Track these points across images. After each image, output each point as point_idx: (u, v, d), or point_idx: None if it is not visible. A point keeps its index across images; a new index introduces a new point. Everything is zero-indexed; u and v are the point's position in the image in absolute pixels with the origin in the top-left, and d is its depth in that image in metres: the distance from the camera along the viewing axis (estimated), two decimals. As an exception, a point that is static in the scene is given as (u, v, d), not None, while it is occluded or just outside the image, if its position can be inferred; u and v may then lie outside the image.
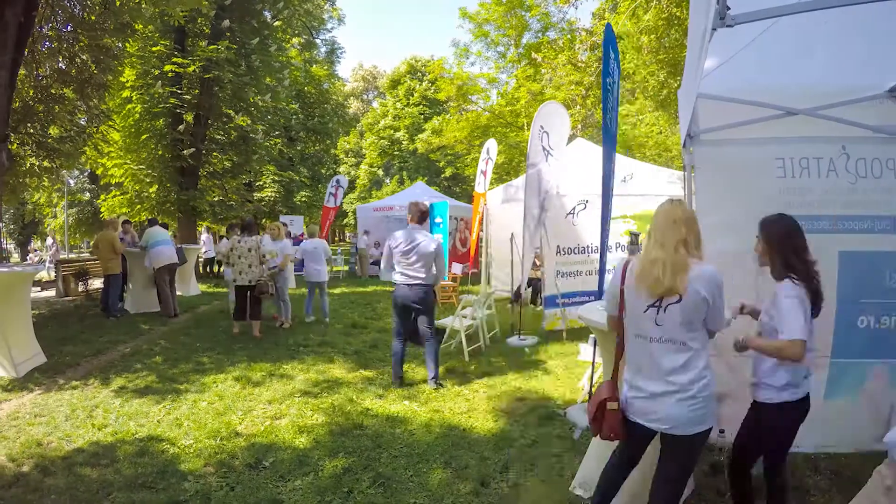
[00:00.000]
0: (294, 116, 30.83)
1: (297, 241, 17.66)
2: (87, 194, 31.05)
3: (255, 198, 26.81)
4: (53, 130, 12.38)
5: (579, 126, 17.79)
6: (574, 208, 9.49)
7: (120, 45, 12.52)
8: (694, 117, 4.27)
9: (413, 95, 40.71)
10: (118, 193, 18.90)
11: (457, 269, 14.60)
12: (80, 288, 14.09)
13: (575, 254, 9.44)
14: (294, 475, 4.25)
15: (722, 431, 4.28)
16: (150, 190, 17.81)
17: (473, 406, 5.82)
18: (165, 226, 12.78)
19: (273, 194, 28.91)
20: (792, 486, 3.80)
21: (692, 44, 3.80)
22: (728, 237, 4.28)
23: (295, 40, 27.19)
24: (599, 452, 3.81)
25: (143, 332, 9.61)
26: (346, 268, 21.72)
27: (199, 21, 17.94)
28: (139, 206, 18.13)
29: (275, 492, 3.99)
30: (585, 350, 7.39)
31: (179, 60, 16.48)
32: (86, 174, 29.87)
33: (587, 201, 9.37)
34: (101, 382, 6.64)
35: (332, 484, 4.08)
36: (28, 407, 5.76)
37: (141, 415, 5.56)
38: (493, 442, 4.89)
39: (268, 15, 20.61)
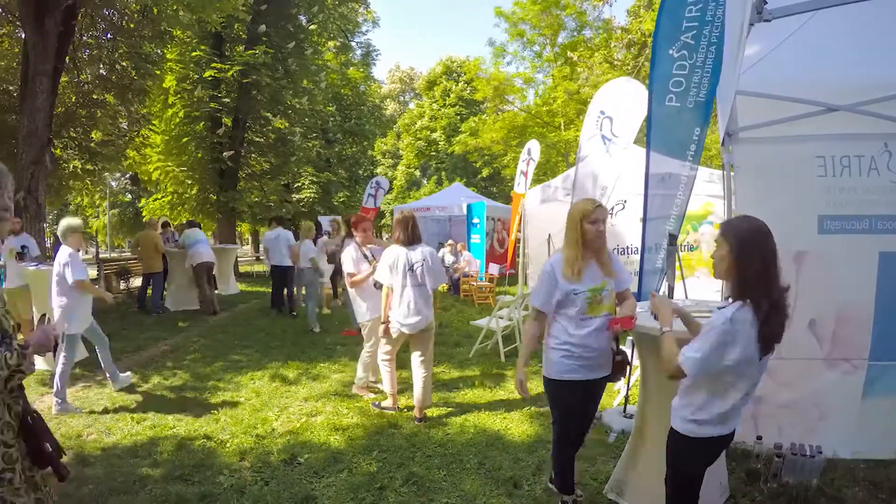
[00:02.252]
0: (331, 118, 31.07)
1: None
2: (129, 196, 31.82)
3: (294, 199, 27.10)
4: (95, 134, 12.74)
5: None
6: (613, 208, 9.33)
7: (159, 51, 12.83)
8: (732, 115, 4.18)
9: (449, 96, 40.69)
10: (159, 196, 19.32)
11: (494, 269, 14.58)
12: (122, 286, 14.45)
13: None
14: (328, 472, 4.29)
15: (759, 438, 4.18)
16: (191, 192, 18.16)
17: (508, 407, 5.78)
18: (200, 226, 13.02)
19: (311, 195, 29.19)
20: (829, 497, 3.71)
21: (729, 40, 3.73)
22: (767, 237, 4.20)
23: (331, 43, 27.37)
24: (633, 456, 3.75)
25: (183, 329, 9.80)
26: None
27: (235, 27, 18.22)
28: (180, 208, 18.52)
29: (308, 488, 4.03)
30: (622, 352, 7.28)
31: (218, 66, 16.77)
32: (127, 176, 30.58)
33: (625, 201, 9.20)
34: (141, 377, 6.81)
35: (365, 481, 4.10)
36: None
37: (179, 410, 5.68)
38: (527, 443, 4.86)
39: (303, 19, 20.81)
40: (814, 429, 4.24)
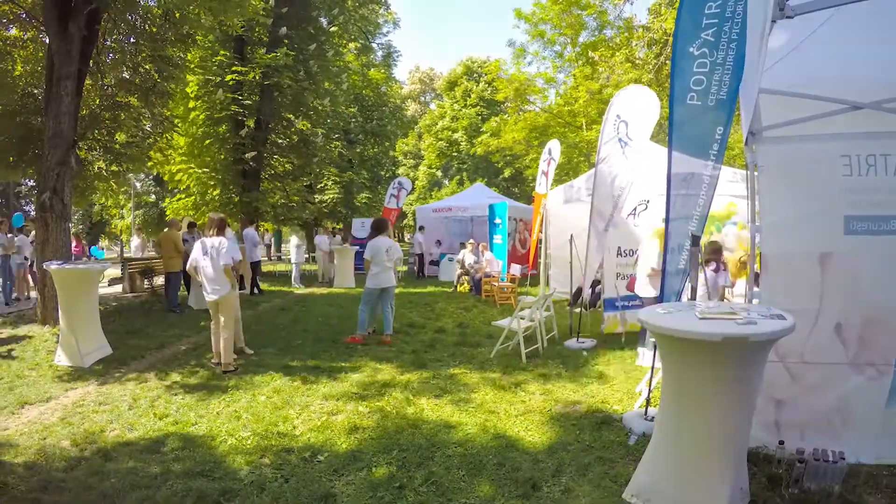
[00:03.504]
0: (353, 119, 31.23)
1: (357, 241, 18.14)
2: (153, 196, 32.25)
3: (316, 199, 27.27)
4: (120, 136, 12.92)
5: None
6: (635, 209, 9.27)
7: (182, 54, 12.98)
8: (756, 114, 4.11)
9: (470, 97, 40.74)
10: (183, 196, 19.55)
11: (515, 270, 14.54)
12: (146, 284, 14.64)
13: (636, 255, 9.20)
14: (348, 470, 4.31)
15: (781, 443, 4.10)
16: (214, 192, 18.35)
17: (529, 408, 5.76)
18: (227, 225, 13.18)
19: (333, 196, 29.35)
20: (850, 504, 3.64)
21: (752, 37, 3.66)
22: (792, 238, 4.12)
23: (351, 45, 27.53)
24: (655, 459, 3.71)
25: (206, 327, 9.89)
26: (406, 268, 21.84)
27: (256, 30, 18.41)
28: (203, 208, 18.71)
29: (328, 485, 4.05)
30: (644, 354, 7.22)
31: (240, 69, 16.93)
32: (151, 177, 31.00)
33: (648, 201, 9.13)
34: (164, 374, 6.89)
35: (384, 480, 4.11)
36: (93, 395, 6.04)
37: (201, 406, 5.74)
38: (546, 445, 4.83)
39: (324, 21, 20.97)
40: (837, 434, 4.15)
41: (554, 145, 12.38)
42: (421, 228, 20.08)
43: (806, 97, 4.07)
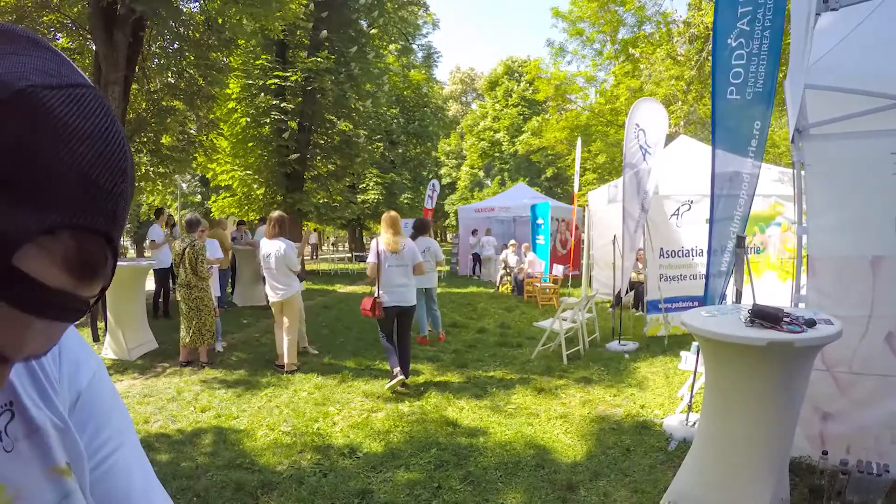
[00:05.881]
0: (394, 120, 31.44)
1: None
2: (199, 196, 32.90)
3: (359, 199, 27.51)
4: (166, 139, 13.28)
5: (682, 122, 17.16)
6: (678, 209, 9.12)
7: (224, 59, 13.28)
8: (802, 110, 3.97)
9: (511, 96, 40.66)
10: (227, 195, 19.93)
11: (558, 270, 14.43)
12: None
13: (678, 257, 9.05)
14: (386, 467, 4.34)
15: (825, 453, 3.96)
16: (258, 192, 18.67)
17: (569, 411, 5.71)
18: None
19: (376, 196, 29.59)
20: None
21: (796, 30, 3.55)
22: (841, 240, 3.98)
23: (392, 46, 27.72)
24: (694, 466, 3.63)
25: (250, 324, 10.08)
26: (448, 268, 21.88)
27: (298, 34, 18.65)
28: (247, 207, 19.06)
29: (366, 481, 4.09)
30: (687, 358, 7.09)
31: (281, 73, 17.20)
32: (197, 178, 31.63)
33: (692, 202, 8.99)
34: (207, 368, 7.09)
35: (422, 478, 4.13)
36: (137, 388, 6.22)
37: (242, 401, 5.87)
38: (585, 449, 4.78)
39: (364, 24, 21.15)
40: (884, 451, 3.88)
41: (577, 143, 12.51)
42: (474, 232, 20.31)
43: (853, 92, 3.90)
